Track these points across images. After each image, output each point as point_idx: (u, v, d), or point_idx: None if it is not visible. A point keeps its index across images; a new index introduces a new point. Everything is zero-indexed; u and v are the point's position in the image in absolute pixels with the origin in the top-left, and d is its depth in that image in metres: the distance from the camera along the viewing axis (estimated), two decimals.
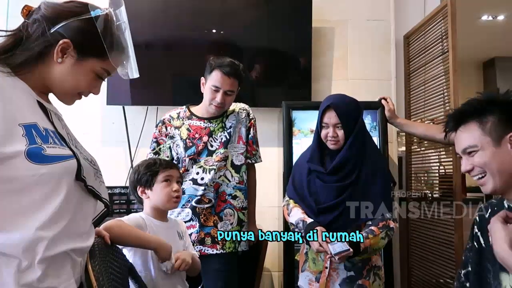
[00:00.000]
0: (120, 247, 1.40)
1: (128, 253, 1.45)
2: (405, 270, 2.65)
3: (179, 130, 1.93)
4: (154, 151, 1.95)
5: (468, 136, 1.08)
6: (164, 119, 1.97)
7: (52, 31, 0.91)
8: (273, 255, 2.48)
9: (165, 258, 1.40)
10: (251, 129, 1.98)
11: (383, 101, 2.17)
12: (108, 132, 2.67)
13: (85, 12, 0.93)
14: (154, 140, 1.96)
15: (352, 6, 2.77)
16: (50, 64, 0.93)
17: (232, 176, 1.89)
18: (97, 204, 1.00)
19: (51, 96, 1.00)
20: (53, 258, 0.85)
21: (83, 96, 1.01)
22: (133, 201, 2.34)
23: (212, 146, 1.89)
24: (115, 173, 2.56)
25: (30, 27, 0.92)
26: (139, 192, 1.55)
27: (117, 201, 2.32)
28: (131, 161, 2.61)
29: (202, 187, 1.84)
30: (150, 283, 1.44)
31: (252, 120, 1.99)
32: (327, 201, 1.59)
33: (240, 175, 1.91)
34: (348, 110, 1.63)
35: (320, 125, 1.65)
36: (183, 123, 1.93)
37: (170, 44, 2.62)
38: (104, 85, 2.55)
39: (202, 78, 1.90)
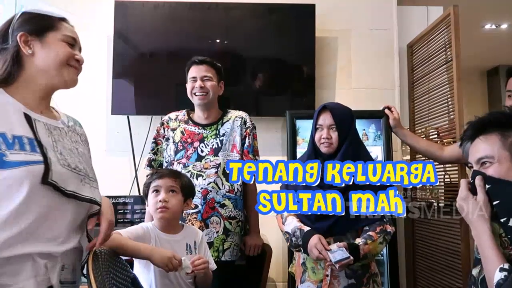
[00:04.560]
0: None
1: (138, 264, 1.45)
2: (411, 280, 2.61)
3: (173, 132, 1.98)
4: (153, 151, 2.01)
5: (487, 146, 1.06)
6: (163, 120, 2.04)
7: (9, 41, 1.04)
8: (277, 265, 2.46)
9: (160, 265, 1.36)
10: (247, 138, 1.97)
11: (386, 111, 2.16)
12: (112, 141, 2.68)
13: (15, 16, 1.08)
14: (153, 140, 2.03)
15: (355, 15, 2.78)
16: (29, 64, 1.05)
17: (222, 184, 1.89)
18: (91, 207, 1.07)
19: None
20: (8, 259, 0.91)
21: (77, 66, 1.12)
22: (137, 211, 2.34)
23: (202, 151, 1.92)
24: (119, 183, 2.57)
25: None
26: (146, 206, 1.56)
27: (121, 211, 2.32)
28: (136, 170, 2.62)
29: None
30: None
31: (248, 129, 1.98)
32: None
33: (231, 184, 1.90)
34: (343, 113, 1.64)
35: (314, 128, 1.65)
36: (179, 125, 1.99)
37: (175, 54, 2.63)
38: (109, 94, 2.60)
39: (186, 85, 2.00)
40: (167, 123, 2.01)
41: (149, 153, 2.03)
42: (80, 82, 3.08)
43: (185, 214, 1.82)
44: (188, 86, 1.96)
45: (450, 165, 2.28)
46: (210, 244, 1.79)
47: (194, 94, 1.93)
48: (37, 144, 0.99)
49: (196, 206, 1.84)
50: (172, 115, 2.04)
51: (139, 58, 2.63)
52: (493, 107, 5.45)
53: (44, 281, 0.96)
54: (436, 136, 2.44)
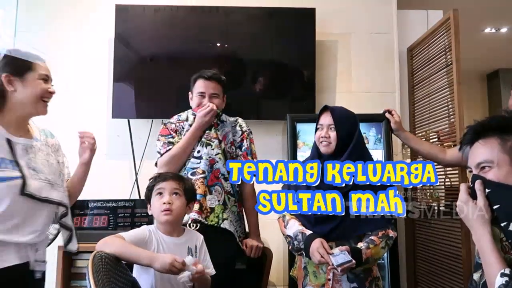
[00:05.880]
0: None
1: (137, 267, 1.44)
2: (412, 284, 2.61)
3: (187, 120, 2.00)
4: (170, 140, 1.95)
5: (487, 150, 1.05)
6: (172, 119, 2.03)
7: None
8: (278, 269, 2.46)
9: (162, 271, 1.35)
10: (244, 141, 2.01)
11: (387, 114, 2.17)
12: (113, 145, 2.68)
13: None
14: (170, 135, 1.97)
15: (356, 19, 2.79)
16: (11, 98, 1.33)
17: (226, 158, 1.95)
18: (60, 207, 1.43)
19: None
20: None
21: (49, 99, 1.41)
22: (137, 215, 2.33)
23: (212, 123, 1.95)
24: (119, 186, 2.57)
25: None
26: (148, 209, 1.55)
27: (122, 214, 2.31)
28: (136, 174, 2.62)
29: (198, 160, 1.91)
30: None
31: (245, 133, 2.02)
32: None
33: None
34: (343, 115, 1.66)
35: (316, 129, 1.68)
36: (188, 116, 2.02)
37: (175, 58, 2.64)
38: (109, 98, 2.60)
39: (189, 93, 2.03)
40: (177, 120, 2.02)
41: (165, 145, 1.94)
42: (81, 86, 3.10)
43: (193, 180, 1.85)
44: (195, 100, 1.98)
45: (450, 168, 2.28)
46: (212, 210, 1.85)
47: None
48: (16, 164, 1.30)
49: (203, 172, 1.88)
50: (181, 114, 2.04)
51: (139, 62, 2.64)
52: (494, 111, 5.46)
53: (23, 257, 1.31)
54: (436, 139, 2.44)
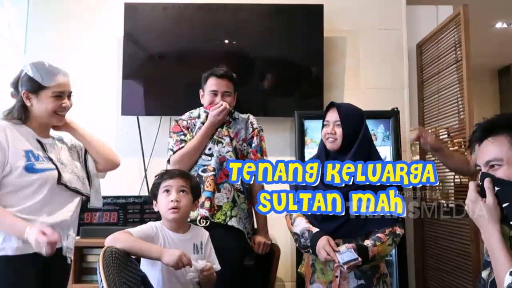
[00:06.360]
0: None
1: (145, 262, 1.47)
2: (421, 281, 2.60)
3: (199, 117, 2.01)
4: (182, 138, 1.96)
5: (496, 148, 1.04)
6: (183, 117, 2.04)
7: (19, 91, 1.51)
8: (285, 265, 2.46)
9: (170, 264, 1.37)
10: (255, 138, 2.01)
11: (419, 137, 1.95)
12: (122, 142, 2.70)
13: (22, 73, 1.52)
14: (181, 132, 1.98)
15: (364, 15, 2.78)
16: (31, 110, 1.52)
17: (236, 155, 1.96)
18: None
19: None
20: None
21: (63, 112, 1.57)
22: (146, 211, 2.36)
23: (224, 121, 1.96)
24: (129, 183, 2.59)
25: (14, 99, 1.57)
26: (154, 205, 1.57)
27: (131, 211, 2.34)
28: (145, 171, 2.64)
29: (209, 158, 1.93)
30: None
31: (256, 130, 2.02)
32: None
33: None
34: (349, 111, 1.65)
35: (323, 125, 1.67)
36: (200, 114, 2.02)
37: (184, 55, 2.66)
38: (118, 95, 2.63)
39: (200, 91, 2.03)
40: (189, 116, 2.03)
41: (177, 143, 1.96)
42: (91, 84, 3.13)
43: (204, 177, 1.88)
44: (207, 98, 1.98)
45: None
46: (219, 208, 1.86)
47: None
48: (49, 159, 1.52)
49: (214, 169, 1.90)
50: (193, 112, 2.05)
51: (148, 59, 2.66)
52: (505, 107, 5.39)
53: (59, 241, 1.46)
54: (446, 136, 2.43)
